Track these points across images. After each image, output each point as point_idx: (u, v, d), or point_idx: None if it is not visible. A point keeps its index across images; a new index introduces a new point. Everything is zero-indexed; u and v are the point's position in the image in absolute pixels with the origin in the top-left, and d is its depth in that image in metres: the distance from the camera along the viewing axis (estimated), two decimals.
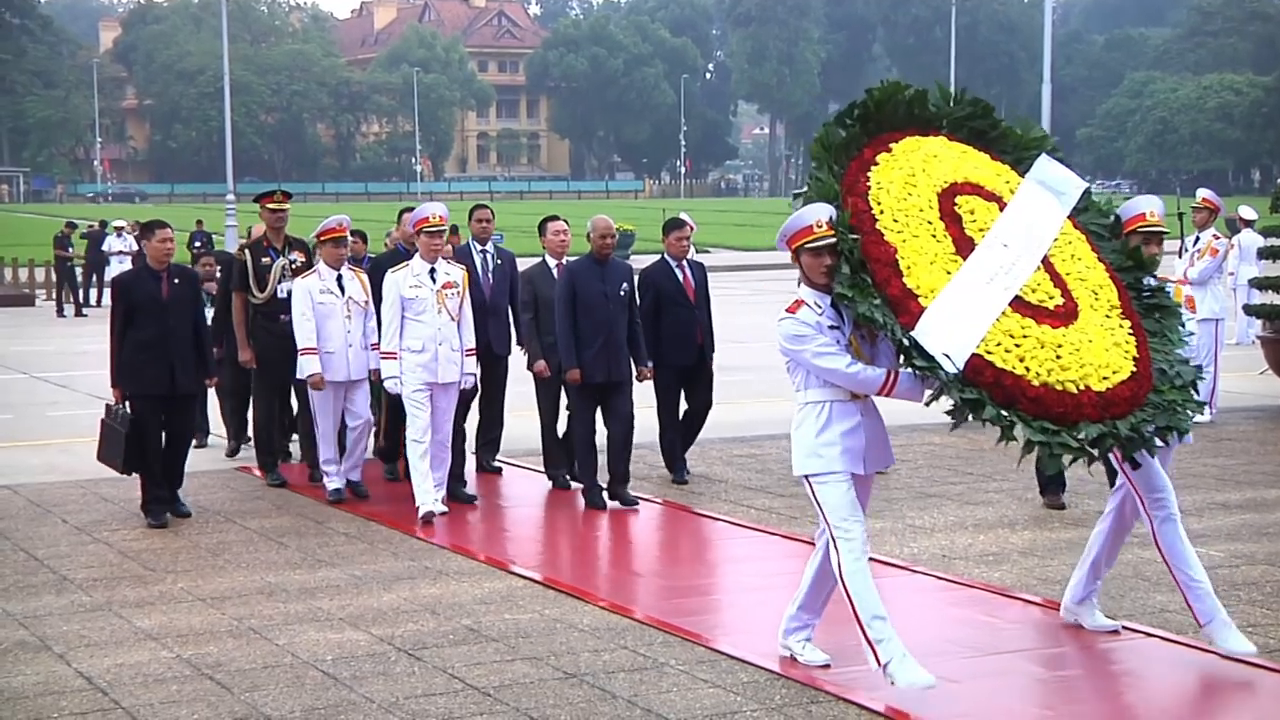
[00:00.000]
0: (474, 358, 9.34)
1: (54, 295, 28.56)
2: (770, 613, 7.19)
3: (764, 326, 10.56)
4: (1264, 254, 14.66)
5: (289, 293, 9.74)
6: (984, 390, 5.35)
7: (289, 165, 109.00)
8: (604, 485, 9.39)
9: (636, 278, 9.87)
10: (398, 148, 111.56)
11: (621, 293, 9.39)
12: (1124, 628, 6.55)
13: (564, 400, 9.82)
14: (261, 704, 5.73)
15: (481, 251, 10.28)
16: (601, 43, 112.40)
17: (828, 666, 6.01)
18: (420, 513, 8.96)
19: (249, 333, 10.10)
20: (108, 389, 9.28)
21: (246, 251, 10.17)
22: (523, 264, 10.59)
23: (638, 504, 9.35)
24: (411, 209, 10.16)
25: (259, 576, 7.77)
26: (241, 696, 5.82)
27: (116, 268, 27.82)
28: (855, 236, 5.56)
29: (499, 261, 10.32)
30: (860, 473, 5.78)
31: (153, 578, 7.77)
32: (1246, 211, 20.73)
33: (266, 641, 6.57)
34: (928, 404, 5.61)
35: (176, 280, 8.94)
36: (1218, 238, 13.08)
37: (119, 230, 28.62)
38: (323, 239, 9.56)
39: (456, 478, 9.60)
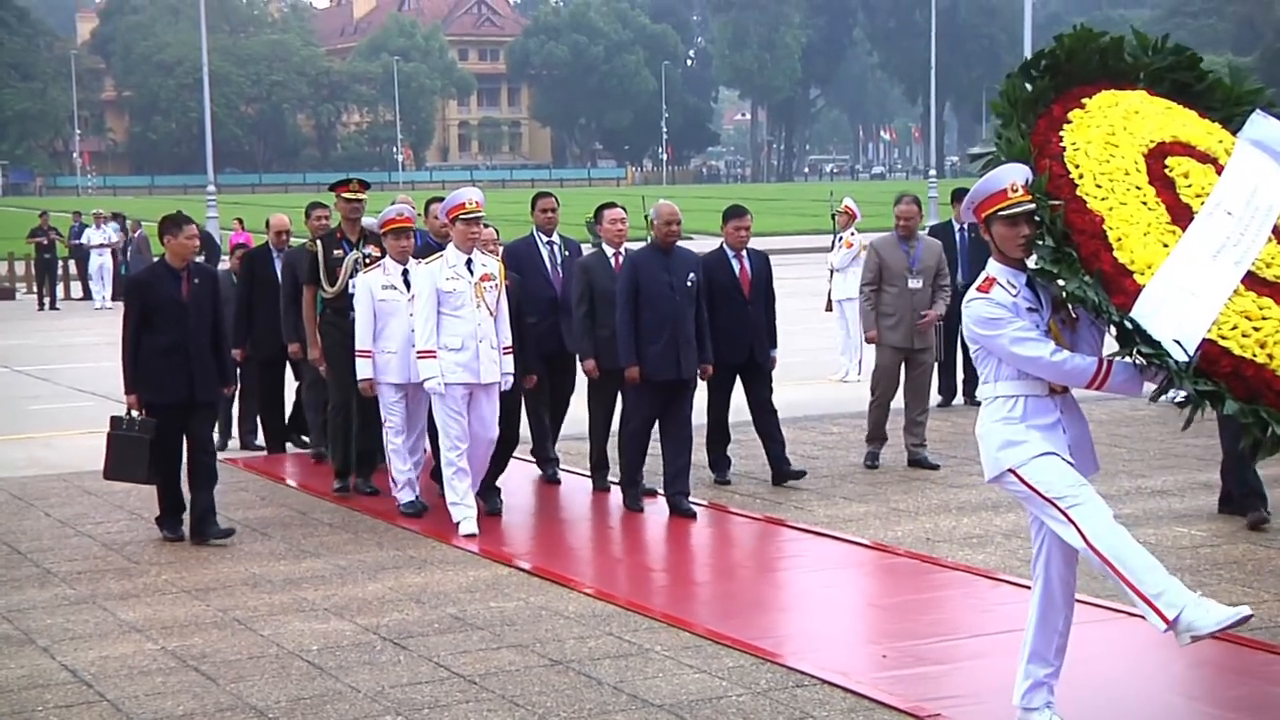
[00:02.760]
0: (510, 356, 8.59)
1: (34, 288, 28.50)
2: (754, 598, 7.21)
3: None
4: None
5: None
6: (1221, 382, 4.61)
7: (270, 156, 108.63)
8: (651, 488, 9.05)
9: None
10: (379, 137, 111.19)
11: (689, 284, 8.72)
12: (1112, 608, 6.56)
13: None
14: (247, 695, 5.72)
15: (548, 243, 9.67)
16: (582, 30, 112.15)
17: None
18: (461, 530, 8.33)
19: (319, 329, 9.50)
20: (89, 382, 9.21)
21: (319, 243, 9.57)
22: None
23: (695, 515, 8.70)
24: (439, 199, 9.72)
25: (244, 567, 7.76)
26: (227, 687, 5.82)
27: (96, 260, 27.79)
28: (1057, 202, 4.86)
29: (567, 253, 9.67)
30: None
31: (137, 570, 7.76)
32: None
33: (251, 632, 6.56)
34: (1153, 399, 4.90)
35: (197, 280, 8.30)
36: None
37: (98, 220, 28.49)
38: (385, 230, 8.89)
39: (489, 486, 8.90)
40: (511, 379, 8.62)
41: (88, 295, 28.50)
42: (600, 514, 9.13)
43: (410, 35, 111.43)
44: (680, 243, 8.98)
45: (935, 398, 12.06)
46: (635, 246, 9.26)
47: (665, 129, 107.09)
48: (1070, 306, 4.90)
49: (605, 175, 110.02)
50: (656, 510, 9.01)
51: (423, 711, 5.49)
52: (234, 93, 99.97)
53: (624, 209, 9.53)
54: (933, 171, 56.07)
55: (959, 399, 12.76)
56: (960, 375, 12.80)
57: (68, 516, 9.06)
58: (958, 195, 12.92)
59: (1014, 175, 4.89)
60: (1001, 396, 4.98)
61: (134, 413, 8.29)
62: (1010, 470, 4.94)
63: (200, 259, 9.05)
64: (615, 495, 9.41)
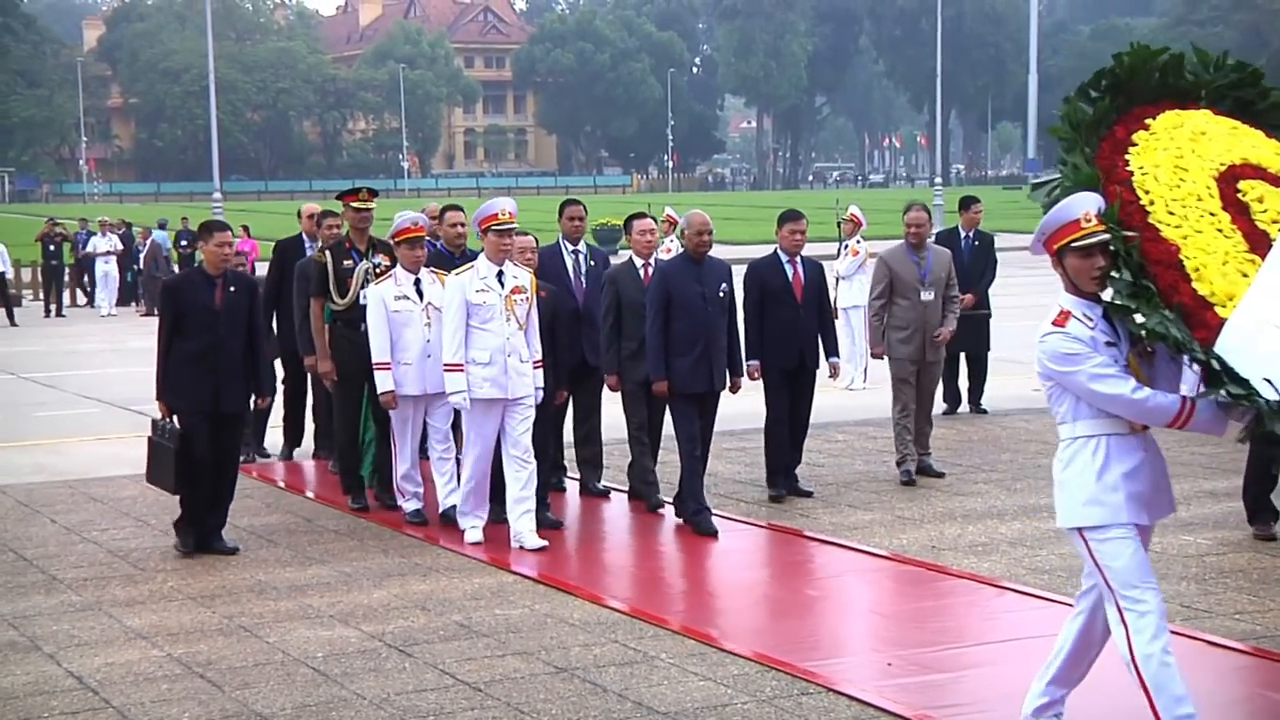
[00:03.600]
0: (541, 371, 8.37)
1: (41, 295, 28.60)
2: (759, 605, 7.21)
3: None
4: None
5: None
6: None
7: (275, 163, 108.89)
8: (670, 500, 8.93)
9: (744, 271, 9.14)
10: (385, 144, 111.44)
11: (721, 294, 8.61)
12: None
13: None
14: (252, 702, 5.73)
15: (574, 252, 9.43)
16: (588, 38, 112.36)
17: None
18: (467, 538, 8.31)
19: (331, 342, 9.28)
20: (95, 389, 9.20)
21: (327, 254, 9.36)
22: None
23: (717, 532, 8.48)
24: (455, 207, 9.67)
25: (249, 574, 7.77)
26: (232, 694, 5.82)
27: (101, 268, 27.85)
28: (1132, 233, 4.62)
29: (593, 263, 9.46)
30: (1145, 524, 4.76)
31: (142, 576, 7.76)
32: None
33: (257, 639, 6.57)
34: (1241, 439, 4.65)
35: (232, 288, 8.13)
36: None
37: (103, 228, 28.55)
38: (398, 240, 8.72)
39: (540, 501, 8.53)
40: (543, 393, 8.41)
41: (93, 303, 28.60)
42: (606, 521, 9.13)
43: (416, 43, 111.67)
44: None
45: (940, 405, 12.07)
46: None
47: (671, 136, 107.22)
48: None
49: (611, 183, 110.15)
50: (663, 519, 9.01)
51: (428, 719, 5.49)
52: (240, 100, 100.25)
53: (654, 219, 9.41)
54: (938, 179, 56.11)
55: (964, 406, 12.76)
56: (965, 383, 12.79)
57: (74, 523, 9.07)
58: (965, 203, 12.93)
59: (1086, 204, 4.64)
60: (1082, 437, 4.72)
61: (167, 420, 8.19)
62: (1080, 531, 4.75)
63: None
64: (619, 503, 9.43)
